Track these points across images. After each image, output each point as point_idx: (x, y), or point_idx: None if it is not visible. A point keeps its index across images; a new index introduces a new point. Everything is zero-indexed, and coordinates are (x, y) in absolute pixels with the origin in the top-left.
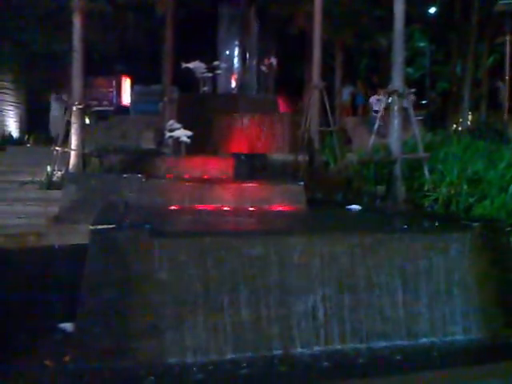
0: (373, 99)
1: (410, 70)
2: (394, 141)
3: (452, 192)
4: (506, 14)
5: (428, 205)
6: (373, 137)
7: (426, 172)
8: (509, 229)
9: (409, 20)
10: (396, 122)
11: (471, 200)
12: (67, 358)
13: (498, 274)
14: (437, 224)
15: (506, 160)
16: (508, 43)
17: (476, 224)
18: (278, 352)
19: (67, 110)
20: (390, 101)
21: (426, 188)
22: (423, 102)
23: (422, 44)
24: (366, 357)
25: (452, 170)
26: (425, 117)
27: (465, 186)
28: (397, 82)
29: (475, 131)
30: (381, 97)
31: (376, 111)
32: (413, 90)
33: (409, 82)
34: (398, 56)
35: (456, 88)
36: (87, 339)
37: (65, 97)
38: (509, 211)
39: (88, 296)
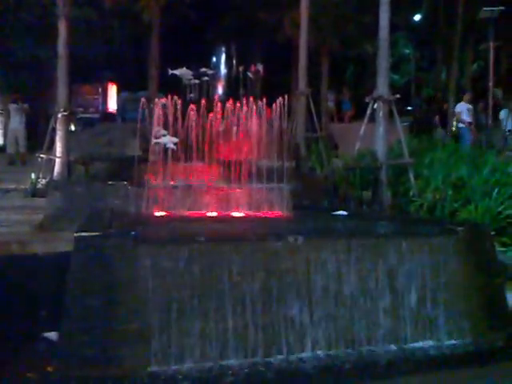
0: (462, 107)
1: (395, 76)
2: (380, 147)
3: (437, 197)
4: (490, 21)
5: (413, 210)
6: (358, 143)
7: (412, 178)
8: (493, 233)
9: (394, 27)
10: (381, 128)
11: (456, 205)
12: (50, 368)
13: (483, 278)
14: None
15: (489, 165)
16: (492, 49)
17: (460, 228)
18: None
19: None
20: (375, 107)
21: (411, 194)
22: (409, 108)
23: (407, 50)
24: None
25: (437, 175)
26: (410, 123)
27: (449, 192)
28: (382, 87)
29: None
30: (470, 106)
31: (470, 123)
32: (397, 95)
33: (394, 88)
34: (383, 62)
35: (441, 94)
36: (72, 348)
37: (27, 106)
38: (493, 216)
39: (72, 304)
